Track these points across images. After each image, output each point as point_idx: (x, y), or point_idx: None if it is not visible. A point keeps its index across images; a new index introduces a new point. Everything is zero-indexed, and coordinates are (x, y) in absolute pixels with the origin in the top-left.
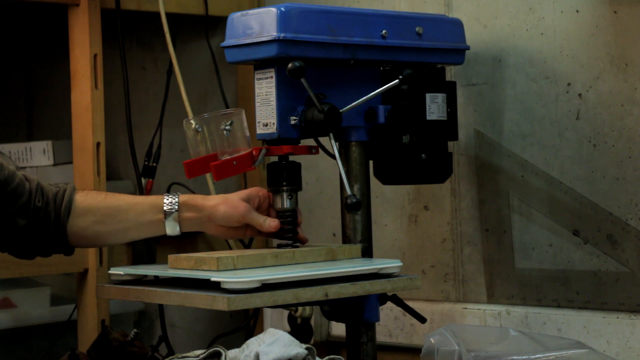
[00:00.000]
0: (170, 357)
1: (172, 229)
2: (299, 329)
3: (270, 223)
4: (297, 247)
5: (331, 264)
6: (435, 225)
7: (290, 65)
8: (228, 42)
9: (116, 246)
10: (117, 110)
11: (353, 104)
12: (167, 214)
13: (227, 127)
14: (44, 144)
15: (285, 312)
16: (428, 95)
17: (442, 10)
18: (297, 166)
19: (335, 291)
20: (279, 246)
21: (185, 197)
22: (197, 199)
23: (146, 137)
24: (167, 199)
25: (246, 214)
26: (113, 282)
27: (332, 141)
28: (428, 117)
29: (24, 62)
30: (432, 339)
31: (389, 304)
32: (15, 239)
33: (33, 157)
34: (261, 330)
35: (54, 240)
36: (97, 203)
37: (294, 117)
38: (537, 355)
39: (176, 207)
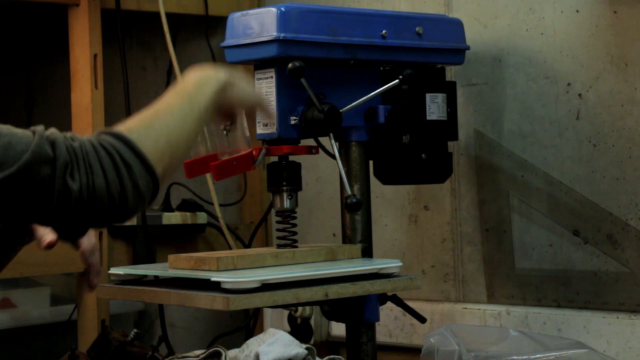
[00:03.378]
0: (170, 357)
1: None
2: (299, 329)
3: (46, 239)
4: (297, 247)
5: (331, 264)
6: (435, 225)
7: (290, 65)
8: (228, 42)
9: (116, 246)
10: (117, 110)
11: (353, 104)
12: None
13: (227, 127)
14: None
15: (285, 312)
16: (428, 95)
17: (442, 10)
18: (297, 166)
19: (335, 291)
20: (279, 246)
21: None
22: None
23: None
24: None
25: None
26: (113, 282)
27: (332, 141)
28: (428, 117)
29: (24, 62)
30: (432, 339)
31: (389, 304)
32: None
33: None
34: (261, 330)
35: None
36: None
37: (294, 117)
38: (537, 355)
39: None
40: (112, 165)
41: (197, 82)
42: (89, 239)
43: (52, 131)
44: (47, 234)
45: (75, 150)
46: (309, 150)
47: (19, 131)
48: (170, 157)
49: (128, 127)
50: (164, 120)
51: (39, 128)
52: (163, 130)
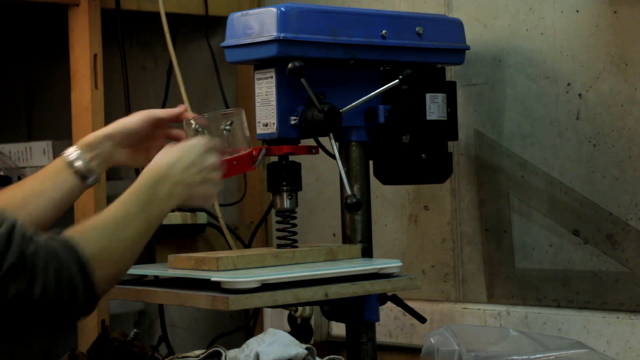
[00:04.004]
0: (170, 357)
1: (86, 177)
2: (299, 329)
3: (179, 107)
4: (297, 247)
5: (331, 264)
6: (435, 225)
7: (290, 65)
8: (228, 42)
9: None
10: (117, 110)
11: (353, 104)
12: (73, 164)
13: (227, 127)
14: (44, 144)
15: (285, 312)
16: (428, 95)
17: (442, 10)
18: (297, 166)
19: (335, 291)
20: (279, 246)
21: (82, 140)
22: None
23: None
24: (66, 153)
25: (150, 112)
26: None
27: (332, 141)
28: (428, 117)
29: (24, 62)
30: (432, 339)
31: (389, 304)
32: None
33: (33, 157)
34: (261, 330)
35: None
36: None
37: (294, 117)
38: (537, 355)
39: (78, 152)
40: (56, 281)
41: (165, 198)
42: None
43: (18, 227)
44: None
45: (25, 256)
46: (309, 150)
47: None
48: (115, 278)
49: (87, 236)
50: (121, 239)
51: (9, 219)
52: (118, 251)
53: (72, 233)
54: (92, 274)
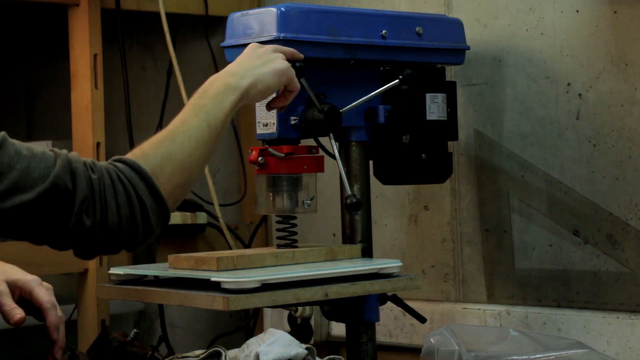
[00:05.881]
0: (170, 357)
1: None
2: (299, 329)
3: (15, 315)
4: (297, 247)
5: (331, 264)
6: (435, 225)
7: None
8: (228, 42)
9: None
10: (117, 110)
11: (353, 104)
12: None
13: (308, 202)
14: (44, 144)
15: (285, 312)
16: (428, 95)
17: (442, 10)
18: None
19: (335, 291)
20: (279, 246)
21: None
22: None
23: (146, 137)
24: None
25: None
26: (113, 282)
27: (332, 141)
28: (428, 117)
29: (24, 62)
30: (432, 339)
31: (389, 304)
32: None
33: None
34: (261, 330)
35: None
36: None
37: (294, 117)
38: (537, 355)
39: None
40: (127, 202)
41: (216, 95)
42: (56, 313)
43: (74, 158)
44: (14, 309)
45: (93, 185)
46: (309, 150)
47: (38, 152)
48: (183, 188)
49: (145, 153)
50: (180, 147)
51: (63, 153)
52: (179, 159)
53: (130, 155)
54: (158, 186)
